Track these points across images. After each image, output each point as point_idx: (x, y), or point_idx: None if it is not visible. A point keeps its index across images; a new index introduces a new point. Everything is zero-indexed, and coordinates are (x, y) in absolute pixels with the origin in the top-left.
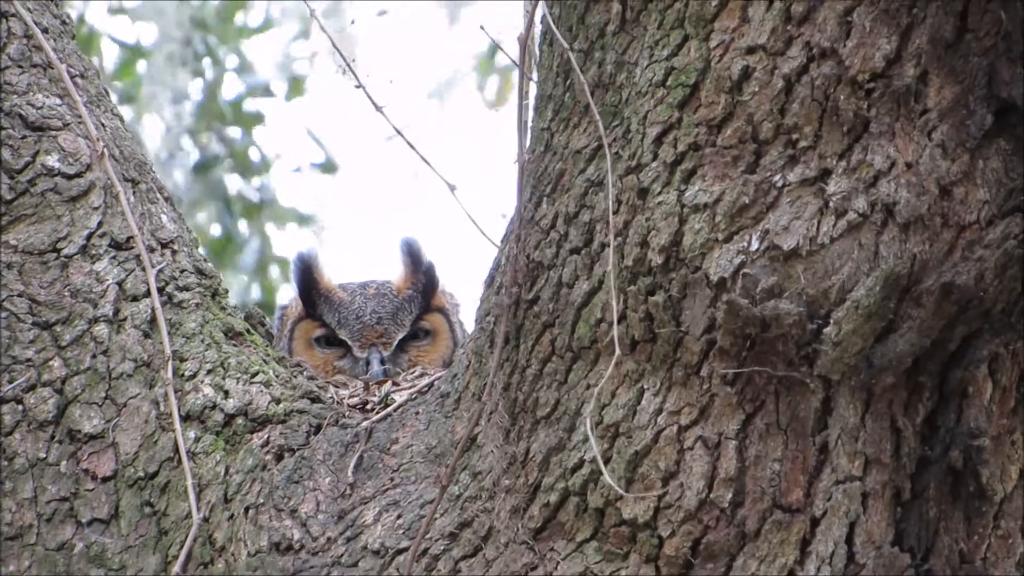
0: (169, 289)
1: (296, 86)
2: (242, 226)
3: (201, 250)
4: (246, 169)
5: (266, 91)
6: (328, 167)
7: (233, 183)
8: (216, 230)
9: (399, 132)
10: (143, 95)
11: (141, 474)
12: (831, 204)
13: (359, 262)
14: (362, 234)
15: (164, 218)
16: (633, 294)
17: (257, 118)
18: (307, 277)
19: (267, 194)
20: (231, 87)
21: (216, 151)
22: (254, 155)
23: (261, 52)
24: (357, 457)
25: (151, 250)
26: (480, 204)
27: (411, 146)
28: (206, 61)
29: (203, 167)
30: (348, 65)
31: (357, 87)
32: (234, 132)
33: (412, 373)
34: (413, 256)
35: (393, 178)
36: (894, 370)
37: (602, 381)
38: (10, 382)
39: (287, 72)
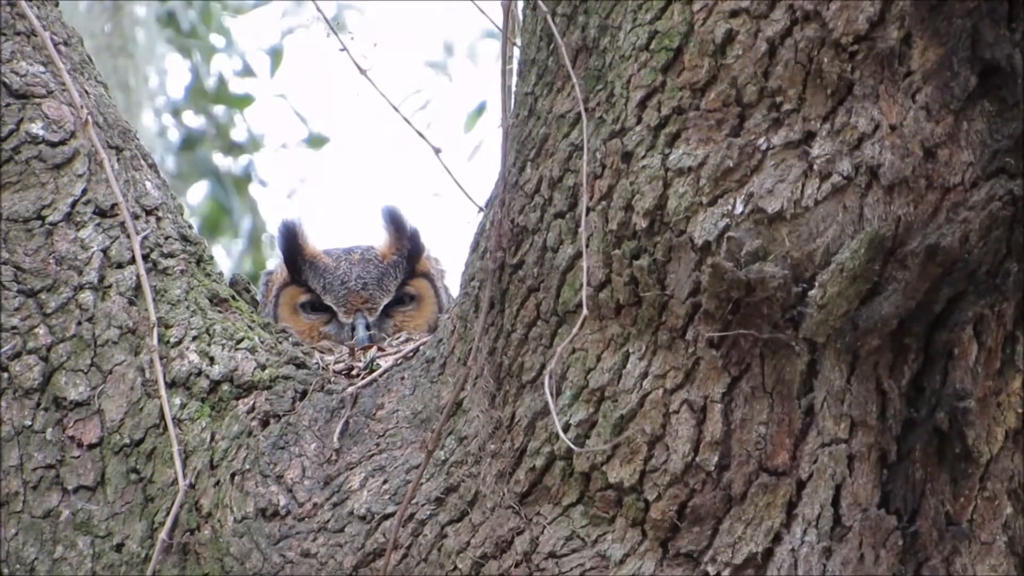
0: (154, 256)
1: (277, 59)
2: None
3: (188, 217)
4: (231, 148)
5: (248, 71)
6: (315, 141)
7: (219, 162)
8: (204, 207)
9: (384, 96)
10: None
11: (127, 441)
12: (815, 167)
13: (342, 232)
14: (346, 206)
15: (148, 185)
16: (618, 258)
17: (245, 100)
18: (292, 243)
19: (252, 171)
20: (217, 68)
21: (203, 130)
22: (240, 135)
23: (248, 32)
24: (343, 423)
25: (136, 217)
26: (467, 170)
27: (396, 109)
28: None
29: (189, 144)
30: (332, 29)
31: (341, 50)
32: (219, 110)
33: (397, 338)
34: (395, 223)
35: (380, 152)
36: (879, 332)
37: (576, 337)
38: None
39: (270, 48)
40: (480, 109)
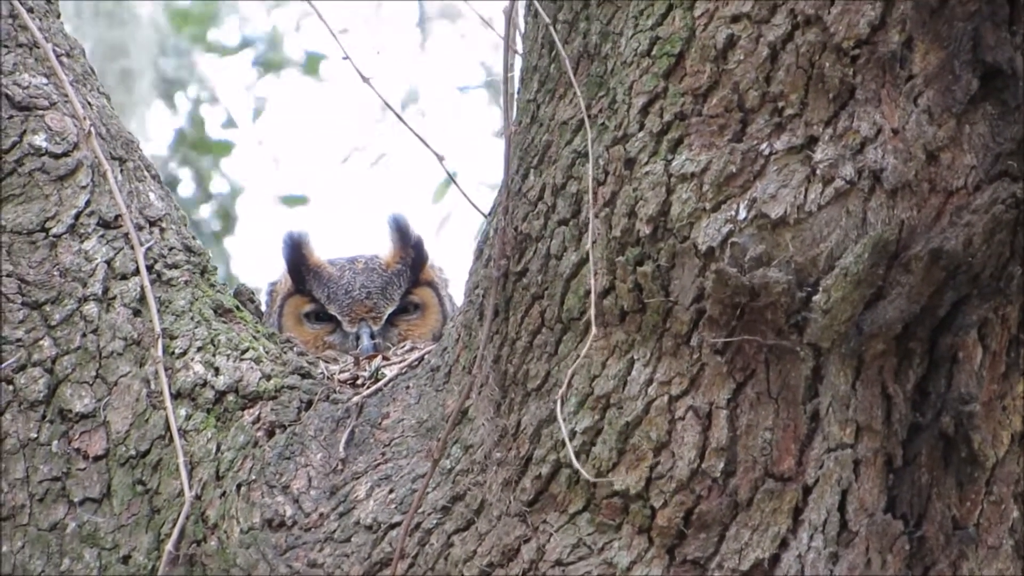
0: (158, 267)
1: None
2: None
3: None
4: (210, 197)
5: (231, 123)
6: (295, 200)
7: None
8: None
9: (388, 104)
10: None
11: (133, 453)
12: (818, 171)
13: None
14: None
15: (152, 196)
16: (621, 264)
17: (225, 147)
18: (296, 253)
19: (229, 223)
20: (199, 117)
21: (184, 179)
22: (220, 186)
23: (229, 80)
24: (348, 432)
25: (139, 228)
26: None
27: (400, 118)
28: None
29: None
30: (335, 36)
31: (344, 59)
32: (203, 161)
33: (402, 347)
34: (401, 232)
35: (360, 205)
36: (884, 337)
37: (583, 349)
38: (0, 362)
39: (252, 96)
40: (447, 181)
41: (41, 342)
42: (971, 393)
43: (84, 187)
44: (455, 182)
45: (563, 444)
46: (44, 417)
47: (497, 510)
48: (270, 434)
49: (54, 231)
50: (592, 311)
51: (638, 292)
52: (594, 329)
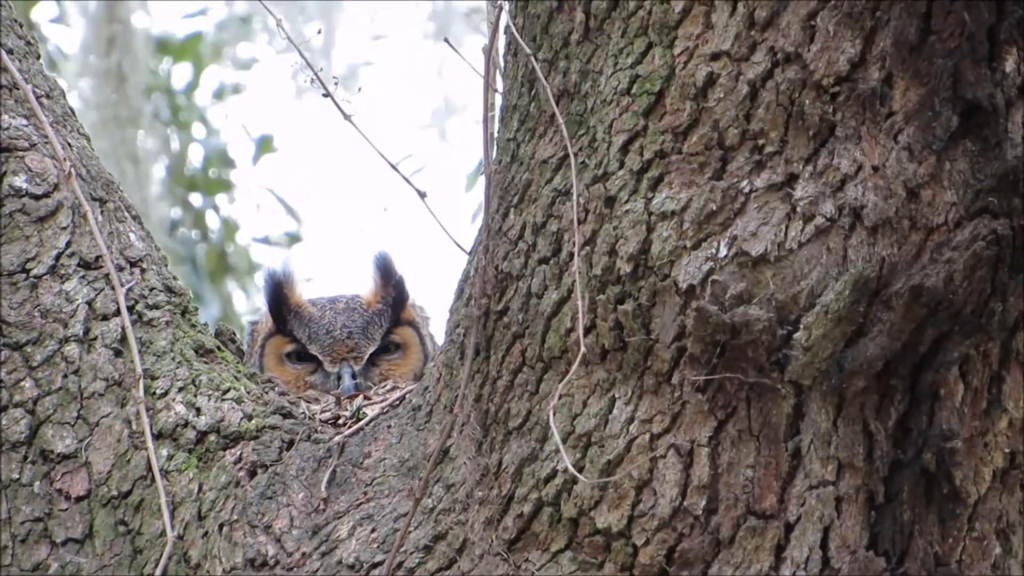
0: (139, 307)
1: (265, 145)
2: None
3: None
4: (206, 236)
5: (227, 161)
6: (292, 238)
7: (199, 249)
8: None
9: (368, 139)
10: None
11: (115, 493)
12: (798, 209)
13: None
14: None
15: (132, 236)
16: (602, 303)
17: (223, 184)
18: (277, 293)
19: (229, 260)
20: (196, 155)
21: (180, 216)
22: (214, 222)
23: (227, 119)
24: (330, 472)
25: (120, 269)
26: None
27: (380, 154)
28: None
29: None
30: (316, 75)
31: (325, 96)
32: (197, 199)
33: (383, 387)
34: (385, 270)
35: (352, 241)
36: (865, 374)
37: (559, 387)
38: None
39: (255, 135)
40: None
41: (22, 383)
42: (953, 430)
43: (65, 228)
44: (437, 220)
45: (544, 482)
46: (26, 458)
47: (479, 549)
48: (252, 474)
49: (35, 272)
50: (581, 345)
51: (619, 330)
52: (583, 349)
